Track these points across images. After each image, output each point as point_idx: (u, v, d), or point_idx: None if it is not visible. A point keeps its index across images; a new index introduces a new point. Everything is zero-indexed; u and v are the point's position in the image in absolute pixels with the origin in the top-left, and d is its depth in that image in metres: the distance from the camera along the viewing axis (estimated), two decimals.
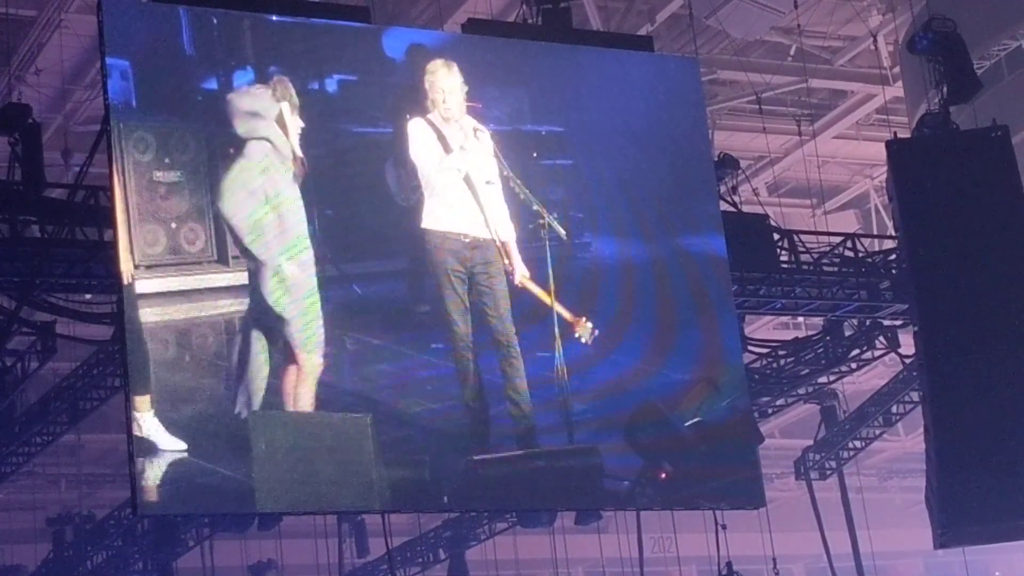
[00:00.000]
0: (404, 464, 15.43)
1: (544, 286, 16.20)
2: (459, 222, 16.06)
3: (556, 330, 16.12)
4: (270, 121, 15.31)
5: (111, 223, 14.86)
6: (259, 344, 14.95)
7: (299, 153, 15.33)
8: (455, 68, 16.20)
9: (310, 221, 15.43)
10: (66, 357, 19.58)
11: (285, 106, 15.36)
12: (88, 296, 16.94)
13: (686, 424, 16.78)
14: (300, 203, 15.31)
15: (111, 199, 14.84)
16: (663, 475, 16.53)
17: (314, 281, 15.27)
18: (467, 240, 16.05)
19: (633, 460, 16.50)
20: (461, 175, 16.09)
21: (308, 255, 15.27)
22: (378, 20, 17.96)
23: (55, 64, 21.01)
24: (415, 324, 15.96)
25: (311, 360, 15.15)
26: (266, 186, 15.19)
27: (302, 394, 15.07)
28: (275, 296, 15.05)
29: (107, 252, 15.35)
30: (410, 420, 15.56)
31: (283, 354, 15.03)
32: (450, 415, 15.80)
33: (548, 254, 16.24)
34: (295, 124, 15.37)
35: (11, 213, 15.85)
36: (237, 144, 15.15)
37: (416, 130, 16.02)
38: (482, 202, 16.15)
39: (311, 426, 15.05)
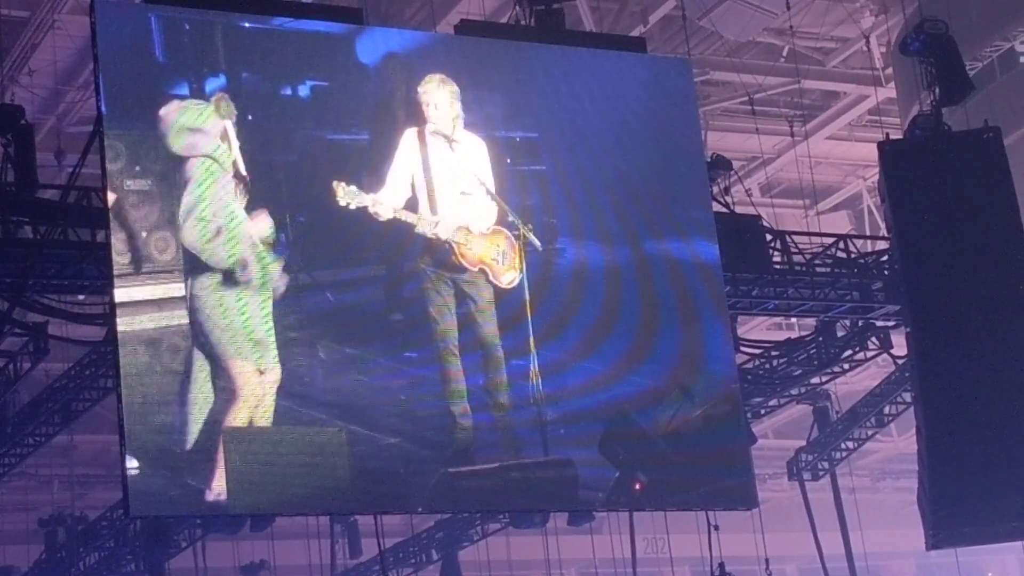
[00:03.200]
0: (379, 476, 15.27)
1: (520, 293, 16.10)
2: (449, 227, 16.03)
3: (531, 337, 16.02)
4: (215, 138, 15.12)
5: (104, 224, 14.86)
6: (201, 361, 14.76)
7: (243, 172, 15.14)
8: (449, 80, 16.16)
9: (282, 228, 15.29)
10: (58, 358, 19.53)
11: (229, 124, 15.14)
12: (81, 297, 16.91)
13: (660, 434, 16.73)
14: (245, 220, 15.09)
15: (104, 200, 14.84)
16: (637, 485, 16.43)
17: (267, 294, 15.05)
18: (457, 244, 16.02)
19: (607, 471, 16.37)
20: (451, 182, 16.07)
21: (256, 269, 15.07)
22: (371, 22, 17.92)
23: (48, 65, 21.02)
24: (389, 332, 15.80)
25: (268, 375, 14.97)
26: (214, 207, 14.97)
27: (260, 407, 14.92)
28: (220, 311, 14.84)
29: (100, 253, 15.34)
30: (384, 430, 15.37)
31: (229, 370, 14.81)
32: (425, 425, 15.65)
33: (525, 261, 16.16)
34: (236, 143, 15.17)
35: (4, 214, 15.80)
36: (180, 163, 14.94)
37: (408, 141, 15.97)
38: (477, 206, 16.14)
39: (285, 441, 14.88)
